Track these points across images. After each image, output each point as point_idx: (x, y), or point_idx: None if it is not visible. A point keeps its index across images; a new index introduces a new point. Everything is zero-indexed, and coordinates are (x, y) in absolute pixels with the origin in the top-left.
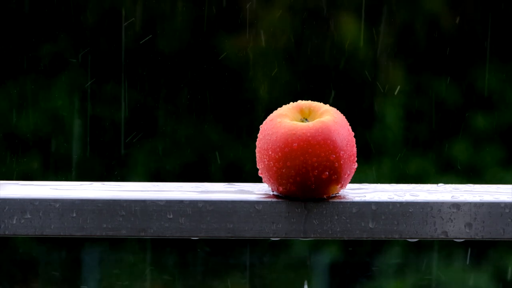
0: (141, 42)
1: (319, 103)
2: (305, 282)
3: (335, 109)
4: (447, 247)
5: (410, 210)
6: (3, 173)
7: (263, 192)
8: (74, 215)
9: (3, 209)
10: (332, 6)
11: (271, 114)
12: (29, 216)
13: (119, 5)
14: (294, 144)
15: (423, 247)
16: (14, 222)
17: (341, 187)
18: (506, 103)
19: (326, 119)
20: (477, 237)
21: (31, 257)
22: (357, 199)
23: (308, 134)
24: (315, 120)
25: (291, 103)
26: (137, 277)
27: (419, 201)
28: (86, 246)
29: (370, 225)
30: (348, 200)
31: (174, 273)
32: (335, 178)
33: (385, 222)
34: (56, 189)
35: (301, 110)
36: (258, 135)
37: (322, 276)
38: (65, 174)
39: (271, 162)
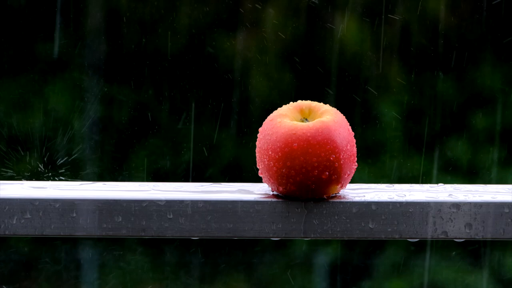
0: (141, 42)
1: (319, 103)
2: None
3: (335, 109)
4: (447, 247)
5: (410, 210)
6: (3, 173)
7: (263, 192)
8: (74, 215)
9: (3, 209)
10: (332, 6)
11: (271, 114)
12: (29, 216)
13: (119, 5)
14: (294, 144)
15: (423, 247)
16: (14, 222)
17: (341, 187)
18: (506, 103)
19: (326, 119)
20: (477, 237)
21: (31, 257)
22: (357, 199)
23: (308, 134)
24: (315, 120)
25: (291, 103)
26: (137, 277)
27: (419, 201)
28: (86, 246)
29: (370, 225)
30: (348, 200)
31: (174, 273)
32: (335, 178)
33: (385, 222)
34: (56, 189)
35: (301, 110)
36: (258, 135)
37: (322, 276)
38: (65, 174)
39: (271, 162)
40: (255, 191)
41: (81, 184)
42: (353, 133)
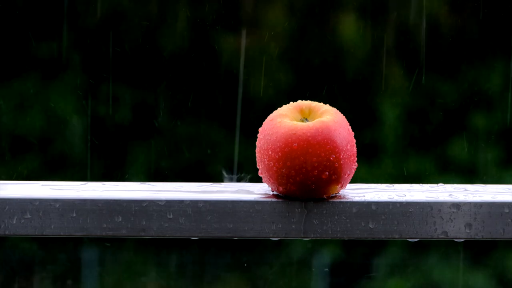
0: (141, 42)
1: (319, 103)
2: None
3: (335, 109)
4: (447, 247)
5: (410, 210)
6: (3, 173)
7: (263, 192)
8: (74, 215)
9: (3, 209)
10: (331, 6)
11: (271, 114)
12: (29, 216)
13: (119, 5)
14: (294, 144)
15: (423, 247)
16: (14, 222)
17: (341, 187)
18: (506, 103)
19: (326, 119)
20: (477, 237)
21: (31, 257)
22: (357, 199)
23: (308, 134)
24: (315, 120)
25: (291, 103)
26: (137, 277)
27: (419, 201)
28: (86, 246)
29: (370, 225)
30: (348, 200)
31: (174, 273)
32: (335, 178)
33: (385, 222)
34: (56, 189)
35: (301, 110)
36: (258, 135)
37: (322, 276)
38: (65, 174)
39: (271, 162)
40: (255, 191)
41: (81, 184)
42: (353, 133)
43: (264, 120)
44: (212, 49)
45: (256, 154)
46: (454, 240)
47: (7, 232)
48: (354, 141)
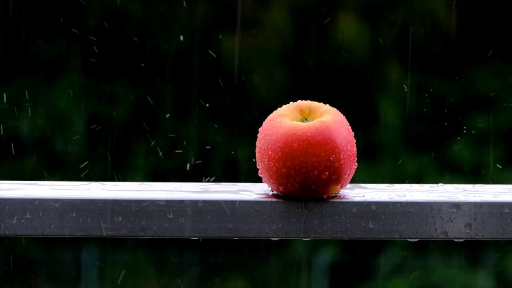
0: (141, 42)
1: (319, 103)
2: None
3: (335, 109)
4: (447, 247)
5: (410, 210)
6: (3, 173)
7: (263, 192)
8: (74, 215)
9: (3, 209)
10: (332, 6)
11: (271, 114)
12: (29, 216)
13: (119, 5)
14: (294, 144)
15: (423, 247)
16: (14, 222)
17: (341, 187)
18: (506, 103)
19: (326, 119)
20: (477, 237)
21: (31, 257)
22: (357, 199)
23: (308, 134)
24: (315, 120)
25: (291, 103)
26: (137, 277)
27: (419, 201)
28: (86, 246)
29: (370, 225)
30: (348, 200)
31: (174, 273)
32: (335, 178)
33: (385, 222)
34: (56, 189)
35: (301, 110)
36: (258, 135)
37: (322, 276)
38: (65, 174)
39: (271, 162)
40: (255, 191)
41: (81, 184)
42: (353, 133)
43: (264, 120)
44: (212, 49)
45: (256, 154)
46: (454, 240)
47: (7, 232)
48: (354, 141)
